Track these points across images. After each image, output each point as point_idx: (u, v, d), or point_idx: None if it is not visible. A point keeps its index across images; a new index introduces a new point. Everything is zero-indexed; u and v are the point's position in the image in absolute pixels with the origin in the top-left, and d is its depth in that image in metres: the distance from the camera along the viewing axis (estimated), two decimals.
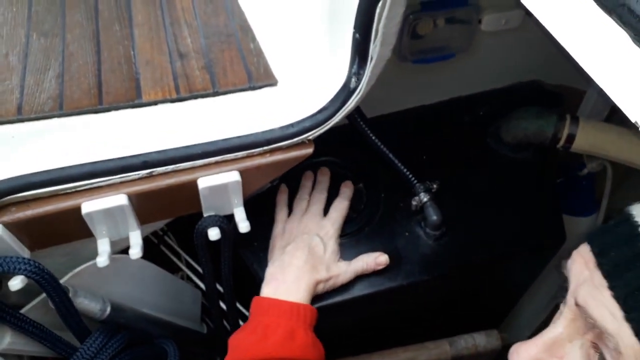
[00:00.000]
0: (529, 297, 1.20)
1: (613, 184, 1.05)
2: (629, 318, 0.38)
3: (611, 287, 0.40)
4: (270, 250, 0.82)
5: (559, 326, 0.45)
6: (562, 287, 0.47)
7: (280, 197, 0.88)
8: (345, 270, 0.78)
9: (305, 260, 0.75)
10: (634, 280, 0.39)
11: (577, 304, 0.43)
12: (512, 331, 1.28)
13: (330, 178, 0.90)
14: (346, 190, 0.88)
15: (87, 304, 0.71)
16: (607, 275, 0.41)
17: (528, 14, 0.66)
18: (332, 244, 0.80)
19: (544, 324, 1.23)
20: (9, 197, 0.62)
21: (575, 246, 0.46)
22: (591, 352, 0.42)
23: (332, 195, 0.88)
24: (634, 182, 1.08)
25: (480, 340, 1.00)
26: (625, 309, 0.38)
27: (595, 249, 0.43)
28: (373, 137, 0.85)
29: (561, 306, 0.47)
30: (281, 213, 0.85)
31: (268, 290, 0.74)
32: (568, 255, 0.47)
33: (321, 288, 0.77)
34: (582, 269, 0.44)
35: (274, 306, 0.71)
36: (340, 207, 0.85)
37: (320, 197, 0.86)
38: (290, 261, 0.75)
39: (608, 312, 0.40)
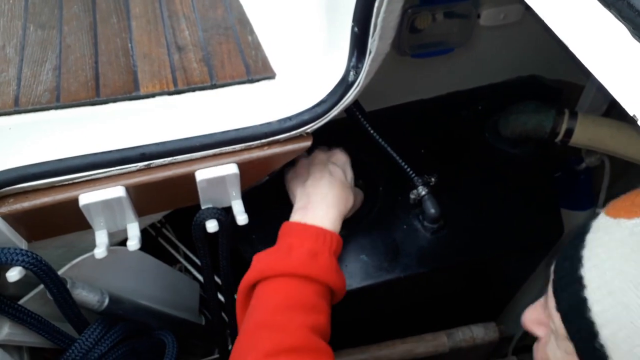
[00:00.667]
0: (527, 290, 1.20)
1: (611, 178, 1.05)
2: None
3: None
4: (290, 193, 0.81)
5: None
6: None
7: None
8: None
9: (329, 186, 0.75)
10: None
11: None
12: (510, 323, 1.28)
13: None
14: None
15: (85, 295, 0.71)
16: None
17: (527, 8, 0.66)
18: (348, 169, 0.81)
19: None
20: (6, 189, 0.62)
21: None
22: None
23: None
24: (632, 176, 1.08)
25: (478, 332, 1.01)
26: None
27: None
28: (371, 131, 0.85)
29: None
30: (289, 167, 0.83)
31: (297, 216, 0.74)
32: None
33: (350, 209, 0.78)
34: None
35: (300, 229, 0.72)
36: (339, 149, 0.85)
37: (321, 147, 0.85)
38: (315, 191, 0.75)
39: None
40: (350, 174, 0.81)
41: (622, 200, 0.46)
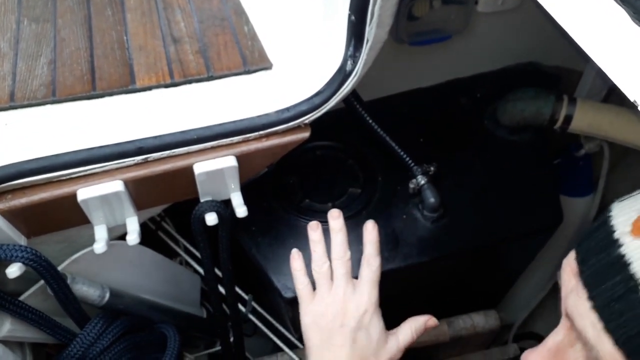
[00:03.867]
0: (527, 277, 1.21)
1: (610, 164, 1.05)
2: (608, 328, 0.37)
3: (590, 297, 0.39)
4: (305, 336, 0.69)
5: (560, 333, 0.45)
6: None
7: (295, 264, 0.71)
8: (396, 350, 0.69)
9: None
10: (609, 291, 0.38)
11: (566, 315, 0.43)
12: (510, 311, 1.29)
13: (329, 166, 0.88)
14: (370, 236, 0.69)
15: (85, 290, 0.71)
16: (586, 284, 0.40)
17: None
18: (375, 324, 0.67)
19: (542, 303, 1.25)
20: (4, 185, 0.61)
21: (566, 253, 0.45)
22: None
23: (333, 182, 0.88)
24: (631, 162, 1.08)
25: (479, 321, 1.01)
26: (603, 319, 0.38)
27: (579, 257, 0.42)
28: (370, 121, 0.84)
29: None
30: (303, 289, 0.69)
31: None
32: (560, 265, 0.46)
33: None
34: (570, 278, 0.42)
35: None
36: (372, 264, 0.68)
37: (343, 261, 0.69)
38: None
39: (589, 322, 0.39)
40: (376, 332, 0.67)
41: None
